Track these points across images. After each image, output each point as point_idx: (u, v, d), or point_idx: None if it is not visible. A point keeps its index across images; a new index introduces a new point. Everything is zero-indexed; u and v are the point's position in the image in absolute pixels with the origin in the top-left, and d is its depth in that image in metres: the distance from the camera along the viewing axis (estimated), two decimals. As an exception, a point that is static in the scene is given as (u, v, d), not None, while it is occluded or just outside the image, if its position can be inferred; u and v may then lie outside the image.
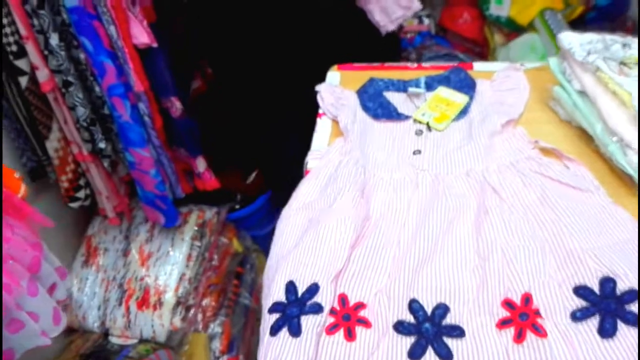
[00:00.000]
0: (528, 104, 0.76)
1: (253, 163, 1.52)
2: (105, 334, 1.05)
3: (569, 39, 0.71)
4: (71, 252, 1.11)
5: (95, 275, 1.08)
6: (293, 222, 0.61)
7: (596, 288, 0.51)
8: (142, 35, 0.77)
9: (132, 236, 1.12)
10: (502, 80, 0.79)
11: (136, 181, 0.97)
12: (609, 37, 0.72)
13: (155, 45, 0.80)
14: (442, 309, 0.52)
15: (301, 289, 0.54)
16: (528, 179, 0.63)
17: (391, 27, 1.04)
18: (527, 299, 0.51)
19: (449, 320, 0.51)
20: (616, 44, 0.71)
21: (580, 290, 0.52)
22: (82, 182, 0.96)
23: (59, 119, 0.87)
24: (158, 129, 0.89)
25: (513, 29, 1.73)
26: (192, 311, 1.08)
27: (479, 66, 0.85)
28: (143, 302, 1.05)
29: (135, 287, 1.06)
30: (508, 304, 0.51)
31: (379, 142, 0.72)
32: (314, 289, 0.53)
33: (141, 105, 0.88)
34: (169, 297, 1.04)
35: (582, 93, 0.68)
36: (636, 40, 0.72)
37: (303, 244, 0.57)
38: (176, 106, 0.88)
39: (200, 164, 1.02)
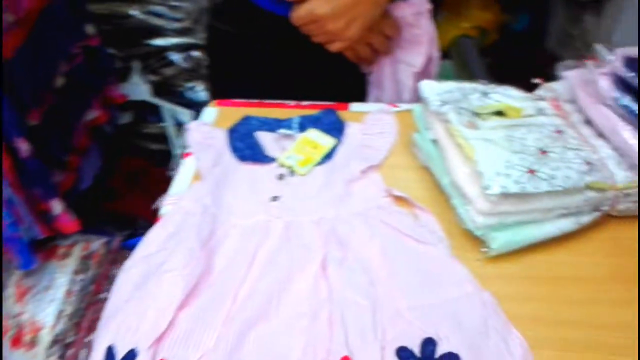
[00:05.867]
0: (394, 148, 0.76)
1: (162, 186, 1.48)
2: (-25, 374, 0.99)
3: (427, 87, 0.71)
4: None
5: (-34, 311, 1.02)
6: (128, 277, 0.59)
7: (417, 350, 0.51)
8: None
9: (11, 269, 1.06)
10: (373, 123, 0.79)
11: (-9, 220, 0.92)
12: (470, 85, 0.73)
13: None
14: (262, 375, 0.51)
15: (120, 355, 0.51)
16: (375, 229, 0.63)
17: None
18: (345, 363, 0.50)
19: (265, 386, 0.50)
20: (475, 93, 0.72)
21: (402, 353, 0.51)
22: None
23: None
24: (6, 169, 0.85)
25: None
26: (72, 349, 1.04)
27: (355, 107, 0.85)
28: (16, 341, 0.99)
29: (10, 324, 1.01)
30: (327, 368, 0.51)
31: (239, 187, 0.70)
32: (131, 355, 0.51)
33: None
34: (44, 335, 0.99)
35: (436, 142, 0.69)
36: (497, 88, 0.74)
37: (130, 304, 0.55)
38: (23, 147, 0.84)
39: (56, 207, 0.98)
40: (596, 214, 0.62)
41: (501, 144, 0.62)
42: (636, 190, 0.61)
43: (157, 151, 1.72)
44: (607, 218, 0.63)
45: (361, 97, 0.97)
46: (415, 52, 0.91)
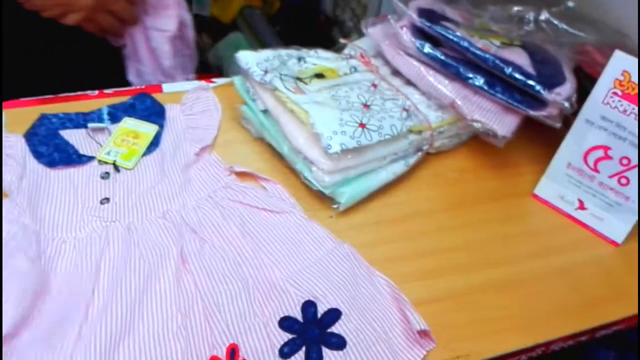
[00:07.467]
0: (222, 125, 0.73)
1: None
2: None
3: (246, 58, 0.70)
4: None
5: None
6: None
7: (299, 316, 0.52)
8: None
9: None
10: (193, 103, 0.75)
11: None
12: (284, 52, 0.74)
13: None
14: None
15: None
16: (227, 210, 0.61)
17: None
18: (232, 350, 0.48)
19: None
20: (292, 59, 0.73)
21: (285, 323, 0.51)
22: None
23: None
24: None
25: (218, 28, 1.74)
26: None
27: (169, 87, 0.80)
28: None
29: None
30: (216, 362, 0.48)
31: (57, 196, 0.61)
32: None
33: None
34: None
35: (267, 112, 0.68)
36: (310, 52, 0.75)
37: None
38: None
39: None
40: (419, 154, 0.69)
41: (330, 104, 0.64)
42: (447, 127, 0.69)
43: None
44: (427, 156, 0.70)
45: (121, 73, 0.91)
46: (164, 15, 0.87)
